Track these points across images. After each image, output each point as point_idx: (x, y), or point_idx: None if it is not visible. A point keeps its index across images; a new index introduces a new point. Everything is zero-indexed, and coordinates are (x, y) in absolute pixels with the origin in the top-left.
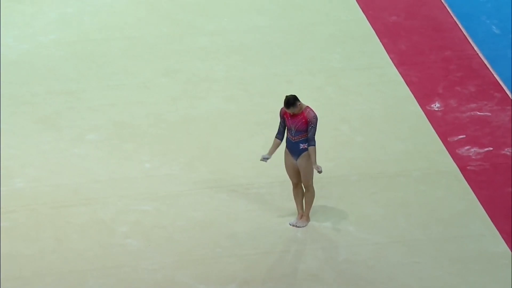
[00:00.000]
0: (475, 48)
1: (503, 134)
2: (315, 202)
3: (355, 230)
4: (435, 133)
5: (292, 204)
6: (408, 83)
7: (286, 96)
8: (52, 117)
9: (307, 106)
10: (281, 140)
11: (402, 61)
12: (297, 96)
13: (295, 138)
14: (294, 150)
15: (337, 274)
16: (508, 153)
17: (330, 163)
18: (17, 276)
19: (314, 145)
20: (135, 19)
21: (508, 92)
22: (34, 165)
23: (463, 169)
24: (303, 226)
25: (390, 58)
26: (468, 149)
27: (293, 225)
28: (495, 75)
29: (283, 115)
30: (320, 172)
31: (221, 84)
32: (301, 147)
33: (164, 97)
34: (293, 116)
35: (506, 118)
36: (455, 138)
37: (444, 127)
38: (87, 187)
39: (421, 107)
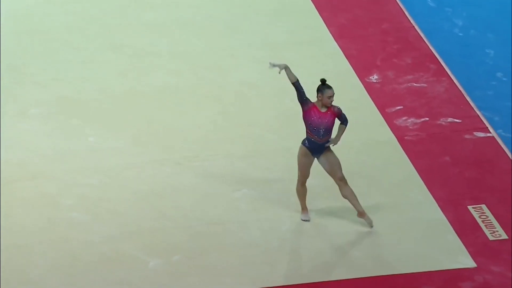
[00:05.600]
0: (412, 21)
1: (438, 105)
2: (256, 174)
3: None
4: (373, 104)
5: (232, 176)
6: (348, 56)
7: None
8: None
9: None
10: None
11: (341, 35)
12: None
13: (323, 139)
14: (319, 150)
15: (280, 243)
16: (443, 123)
17: (274, 135)
18: None
19: (347, 124)
20: None
21: (443, 64)
22: None
23: (401, 139)
24: (307, 220)
25: (330, 31)
26: (405, 120)
27: (305, 220)
28: (431, 47)
29: (310, 110)
30: (334, 144)
31: (165, 58)
32: (326, 145)
33: (109, 71)
34: (321, 116)
35: (442, 89)
36: (393, 109)
37: (382, 99)
38: (32, 162)
39: (360, 79)
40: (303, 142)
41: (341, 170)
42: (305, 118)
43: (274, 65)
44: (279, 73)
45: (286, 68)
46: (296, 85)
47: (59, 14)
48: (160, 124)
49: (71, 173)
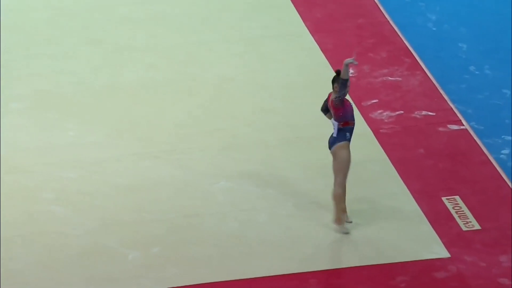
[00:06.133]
0: (386, 15)
1: (413, 98)
2: (234, 166)
3: (275, 192)
4: (349, 98)
5: (210, 168)
6: (324, 50)
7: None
8: None
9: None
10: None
11: (317, 29)
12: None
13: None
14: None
15: (258, 235)
16: (418, 116)
17: (249, 128)
18: None
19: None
20: None
21: (417, 58)
22: None
23: (376, 132)
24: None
25: (306, 26)
26: (380, 113)
27: (345, 233)
28: (405, 42)
29: (345, 101)
30: (350, 63)
31: (143, 53)
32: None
33: (87, 66)
34: (346, 101)
35: (416, 82)
36: (369, 103)
37: (358, 92)
38: (12, 156)
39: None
40: (345, 137)
41: (340, 176)
42: (346, 109)
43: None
44: (354, 62)
45: (347, 65)
46: (348, 83)
47: (37, 9)
48: (138, 118)
49: (50, 166)
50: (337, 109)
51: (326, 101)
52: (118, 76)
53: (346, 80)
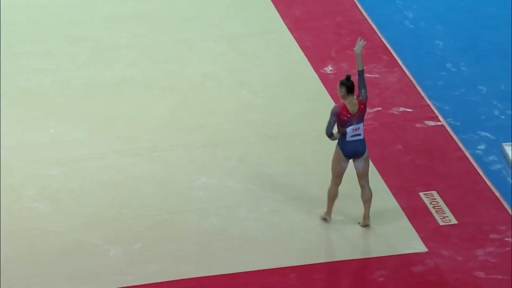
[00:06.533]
0: (364, 13)
1: (391, 95)
2: (214, 163)
3: (256, 188)
4: (328, 95)
5: (191, 165)
6: (303, 48)
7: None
8: None
9: (342, 103)
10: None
11: (296, 27)
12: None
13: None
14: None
15: (239, 231)
16: (395, 112)
17: (231, 126)
18: None
19: (327, 136)
20: None
21: (395, 55)
22: None
23: None
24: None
25: (285, 23)
26: None
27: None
28: (383, 39)
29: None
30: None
31: (124, 51)
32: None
33: (69, 64)
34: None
35: (394, 79)
36: None
37: (336, 89)
38: None
39: (315, 70)
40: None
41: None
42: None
43: (358, 47)
44: (359, 51)
45: (359, 55)
46: (361, 73)
47: (19, 7)
48: (120, 115)
49: (32, 164)
50: (365, 107)
51: (333, 120)
52: (100, 74)
53: (363, 71)
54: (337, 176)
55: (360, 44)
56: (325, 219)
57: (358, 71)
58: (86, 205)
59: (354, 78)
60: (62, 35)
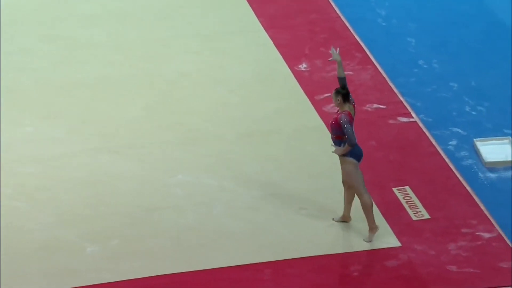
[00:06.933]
0: (338, 11)
1: (364, 92)
2: (191, 160)
3: (233, 185)
4: (303, 92)
5: (168, 162)
6: (277, 46)
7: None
8: None
9: (346, 111)
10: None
11: (271, 25)
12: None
13: (332, 137)
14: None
15: (215, 227)
16: (369, 109)
17: (207, 123)
18: None
19: (350, 145)
20: None
21: (368, 53)
22: None
23: (329, 125)
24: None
25: (260, 22)
26: (333, 107)
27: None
28: (356, 37)
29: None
30: (333, 151)
31: (100, 49)
32: (331, 144)
33: (45, 62)
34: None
35: (367, 76)
36: (321, 97)
37: (310, 86)
38: None
39: (289, 68)
40: None
41: (359, 186)
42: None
43: (335, 55)
44: (330, 60)
45: (340, 62)
46: (344, 82)
47: None
48: (96, 113)
49: (9, 162)
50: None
51: (352, 128)
52: (76, 72)
53: (345, 78)
54: (363, 184)
55: (335, 52)
56: (373, 228)
57: (340, 78)
58: (63, 203)
59: (331, 78)
60: (38, 34)
